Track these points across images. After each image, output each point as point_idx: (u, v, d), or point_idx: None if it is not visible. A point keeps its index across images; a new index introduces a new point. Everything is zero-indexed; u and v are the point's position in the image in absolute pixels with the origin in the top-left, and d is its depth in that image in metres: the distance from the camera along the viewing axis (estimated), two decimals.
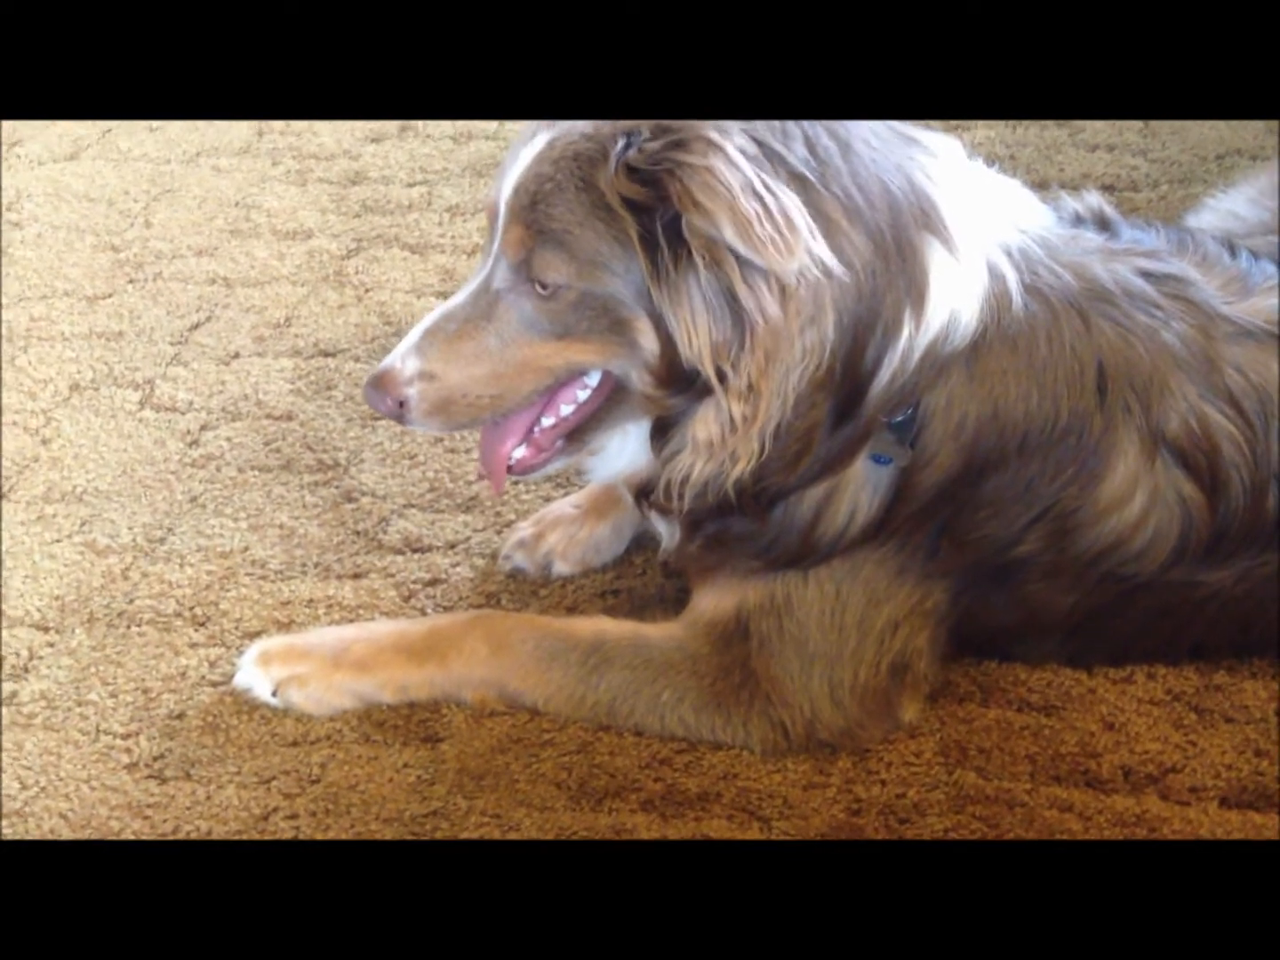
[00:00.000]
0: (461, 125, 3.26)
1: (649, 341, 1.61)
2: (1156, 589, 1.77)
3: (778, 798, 1.76)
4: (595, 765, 1.81)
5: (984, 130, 3.04)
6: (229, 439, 2.41)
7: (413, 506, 2.24)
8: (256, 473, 2.33)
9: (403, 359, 1.71)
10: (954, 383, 1.68)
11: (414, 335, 1.72)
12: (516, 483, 2.22)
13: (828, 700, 1.77)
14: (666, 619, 1.92)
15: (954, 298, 1.65)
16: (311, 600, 2.09)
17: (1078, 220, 1.86)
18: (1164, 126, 3.04)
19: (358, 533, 2.20)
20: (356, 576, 2.13)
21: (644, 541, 2.12)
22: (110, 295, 2.78)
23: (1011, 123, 3.09)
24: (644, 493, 1.79)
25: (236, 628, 2.06)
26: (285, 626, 2.05)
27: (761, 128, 1.57)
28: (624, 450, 1.79)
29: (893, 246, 1.61)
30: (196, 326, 2.69)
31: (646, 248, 1.55)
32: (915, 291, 1.63)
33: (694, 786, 1.78)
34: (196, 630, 2.06)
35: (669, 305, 1.56)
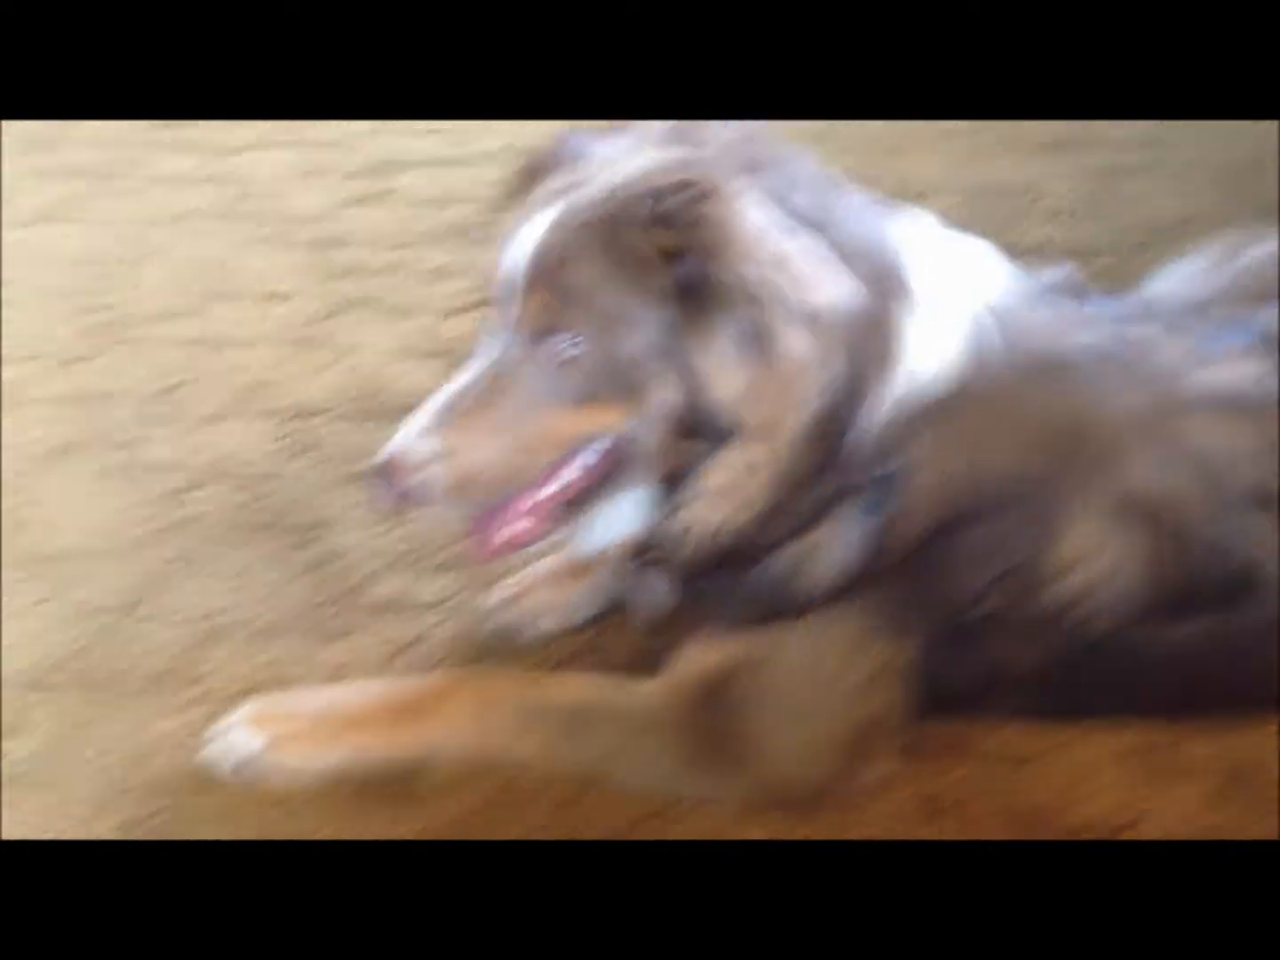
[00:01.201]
0: (443, 188, 3.35)
1: (671, 395, 1.64)
2: (1118, 646, 1.82)
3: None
4: (578, 823, 1.85)
5: (948, 198, 3.13)
6: (209, 500, 2.45)
7: (395, 567, 2.28)
8: (238, 533, 2.37)
9: (417, 439, 1.68)
10: (930, 441, 1.73)
11: (426, 416, 1.70)
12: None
13: (805, 756, 1.82)
14: (648, 676, 1.97)
15: (931, 353, 1.72)
16: (295, 660, 2.13)
17: (1047, 288, 1.94)
18: (1121, 194, 3.15)
19: (340, 593, 2.24)
20: (340, 637, 2.17)
21: (623, 600, 2.17)
22: (94, 357, 2.83)
23: (974, 191, 3.18)
24: (633, 555, 1.83)
25: (222, 689, 2.08)
26: (270, 687, 2.07)
27: (766, 177, 1.66)
28: (615, 519, 1.81)
29: (878, 299, 1.68)
30: (179, 387, 2.74)
31: (676, 298, 1.60)
32: (895, 344, 1.69)
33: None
34: (181, 692, 2.08)
35: (699, 352, 1.61)
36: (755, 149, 1.76)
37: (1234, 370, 1.86)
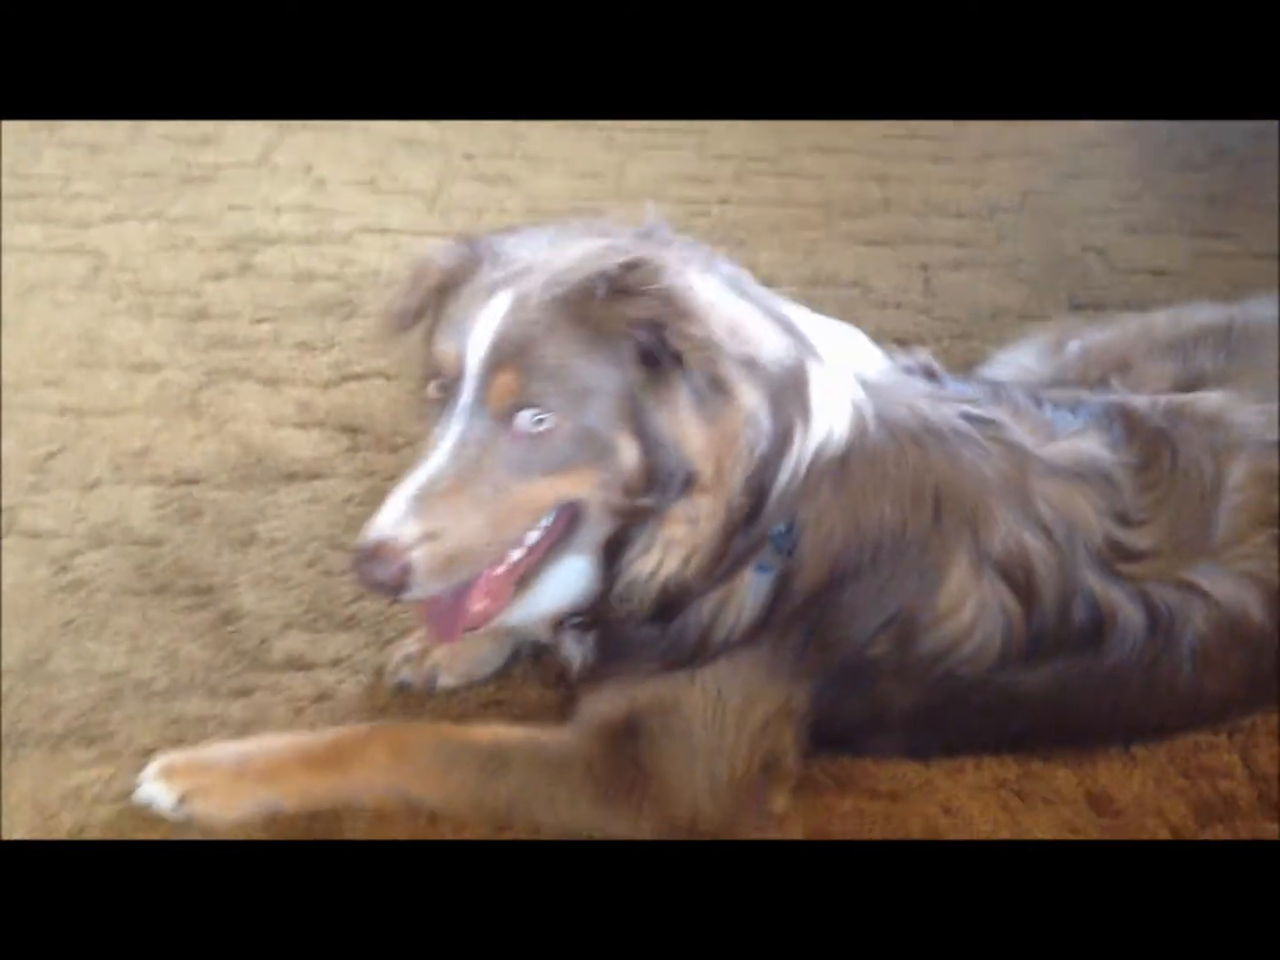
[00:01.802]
0: (302, 265, 3.41)
1: (630, 457, 1.77)
2: (983, 688, 2.02)
3: None
4: None
5: (789, 288, 3.36)
6: (98, 564, 2.47)
7: (293, 626, 2.35)
8: (131, 597, 2.40)
9: (397, 526, 1.72)
10: (824, 495, 1.90)
11: (400, 502, 1.73)
12: (393, 601, 2.34)
13: (709, 794, 1.95)
14: (551, 725, 2.09)
15: (830, 414, 1.89)
16: (200, 718, 2.17)
17: (908, 370, 2.15)
18: (943, 287, 3.44)
19: (240, 652, 2.29)
20: (244, 694, 2.22)
21: (521, 654, 2.29)
22: None
23: (811, 283, 3.44)
24: (562, 620, 1.96)
25: (128, 745, 2.12)
26: (177, 744, 2.11)
27: (687, 251, 1.85)
28: (552, 587, 1.91)
29: (791, 360, 1.86)
30: (52, 455, 2.74)
31: (640, 363, 1.75)
32: (803, 405, 1.87)
33: None
34: (87, 749, 2.11)
35: (663, 411, 1.75)
36: (657, 234, 1.94)
37: (1073, 446, 2.09)
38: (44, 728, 2.14)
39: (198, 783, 1.98)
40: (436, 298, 1.88)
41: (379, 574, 1.72)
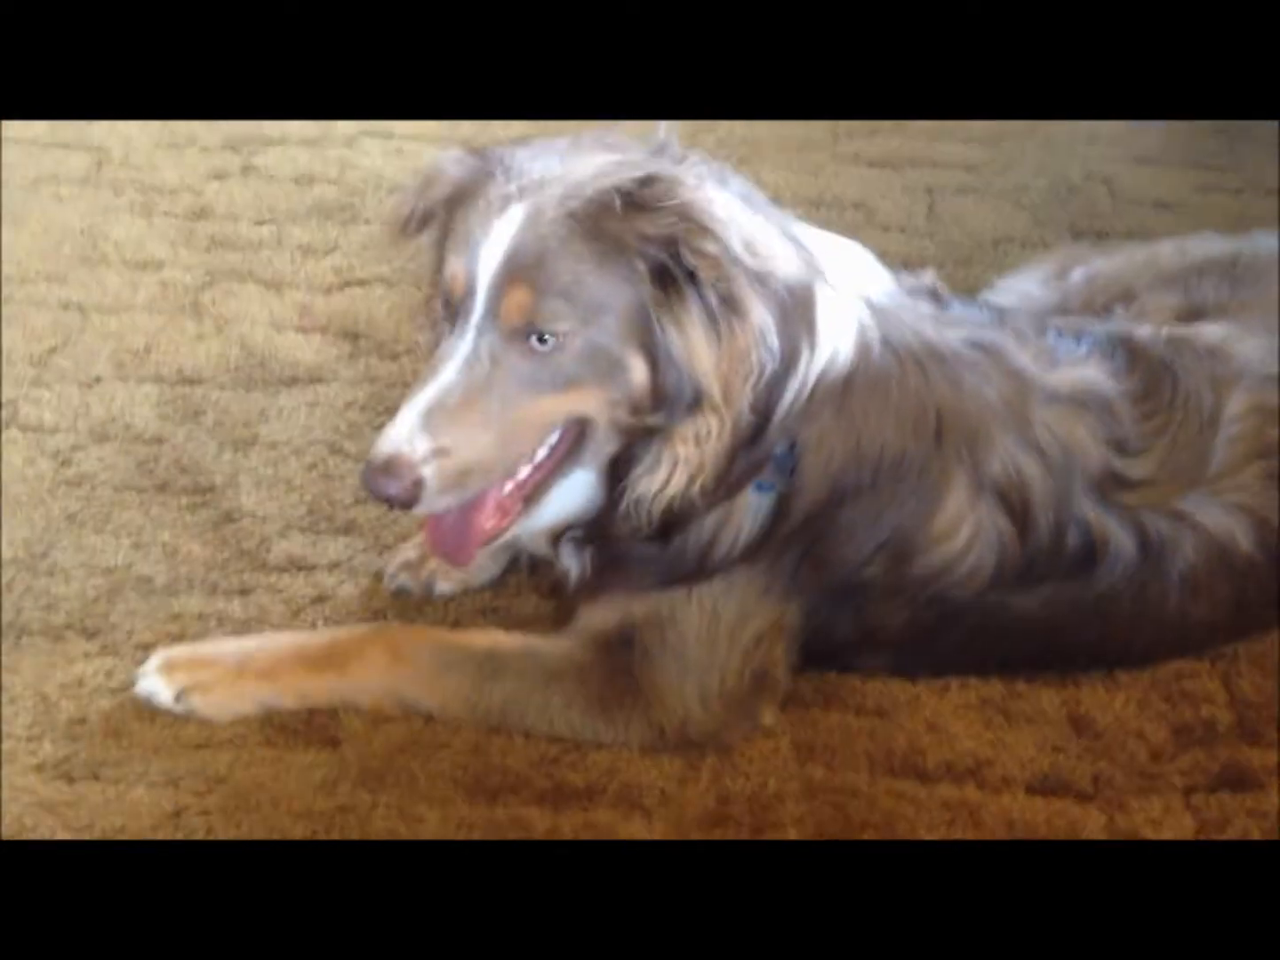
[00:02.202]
0: (304, 168, 3.38)
1: (639, 374, 1.79)
2: (974, 610, 2.05)
3: (655, 790, 1.97)
4: (489, 764, 1.99)
5: (795, 208, 3.33)
6: (100, 460, 2.49)
7: (293, 528, 2.37)
8: (133, 493, 2.42)
9: (409, 441, 1.73)
10: (826, 417, 1.92)
11: (412, 416, 1.74)
12: (393, 507, 2.36)
13: (699, 704, 2.00)
14: (545, 634, 2.12)
15: (835, 336, 1.90)
16: (201, 615, 2.20)
17: (914, 292, 2.16)
18: (946, 213, 3.42)
19: (241, 552, 2.32)
20: (243, 593, 2.25)
21: (518, 563, 2.31)
22: None
23: (815, 204, 3.42)
24: (561, 532, 1.98)
25: (128, 639, 2.15)
26: (177, 639, 2.15)
27: (701, 167, 1.84)
28: (556, 501, 1.92)
29: (799, 278, 1.86)
30: (54, 350, 2.75)
31: (654, 279, 1.75)
32: (810, 324, 1.87)
33: (580, 781, 1.97)
34: (88, 641, 2.14)
35: (673, 328, 1.75)
36: (669, 150, 1.93)
37: (1076, 374, 2.11)
38: (46, 619, 2.17)
39: (197, 678, 2.02)
40: (445, 209, 1.87)
41: (390, 488, 1.74)
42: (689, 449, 1.83)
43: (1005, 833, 1.95)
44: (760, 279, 1.78)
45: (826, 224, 3.23)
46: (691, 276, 1.75)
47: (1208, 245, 2.48)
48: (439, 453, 1.74)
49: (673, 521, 1.90)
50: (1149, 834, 1.95)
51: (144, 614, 2.19)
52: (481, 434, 1.76)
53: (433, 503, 1.77)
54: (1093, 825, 1.96)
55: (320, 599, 2.25)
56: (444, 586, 2.26)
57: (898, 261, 3.12)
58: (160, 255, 3.05)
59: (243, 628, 2.18)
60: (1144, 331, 2.18)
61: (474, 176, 1.85)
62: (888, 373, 1.95)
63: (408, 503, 1.76)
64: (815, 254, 1.93)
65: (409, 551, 2.27)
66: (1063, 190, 3.50)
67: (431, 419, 1.74)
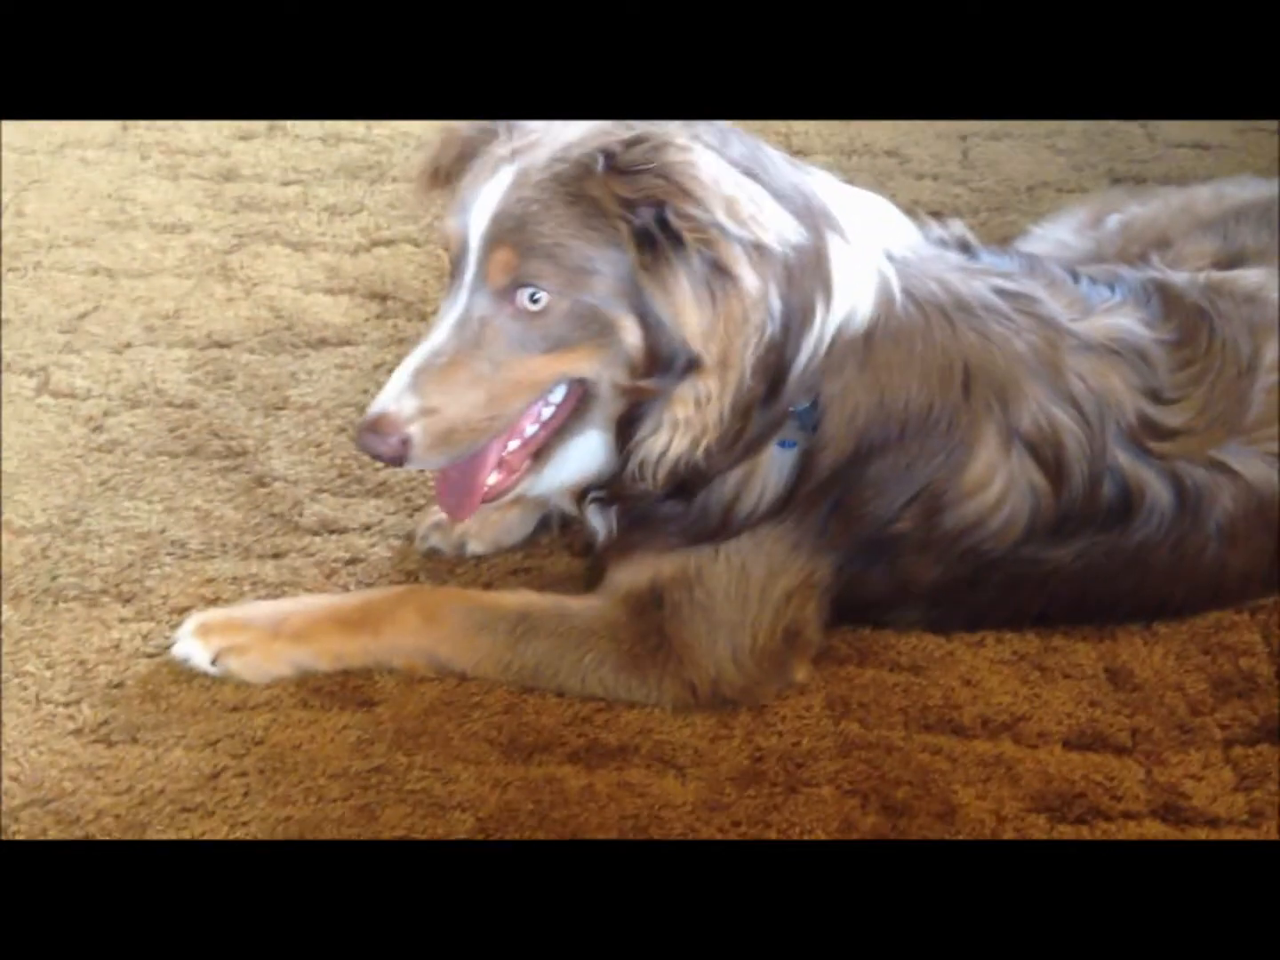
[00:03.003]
0: (330, 127, 3.37)
1: (632, 337, 1.78)
2: (1008, 564, 2.04)
3: (689, 748, 1.97)
4: (523, 724, 1.99)
5: (824, 158, 3.32)
6: (132, 425, 2.49)
7: (325, 491, 2.37)
8: (165, 458, 2.43)
9: (397, 400, 1.76)
10: (848, 373, 1.90)
11: (402, 376, 1.77)
12: (423, 469, 2.37)
13: (731, 662, 2.00)
14: (577, 594, 2.12)
15: (853, 292, 1.88)
16: (235, 578, 2.21)
17: (942, 242, 2.13)
18: (981, 159, 3.37)
19: (273, 515, 2.33)
20: (276, 556, 2.25)
21: (549, 523, 2.31)
22: None
23: (846, 153, 3.38)
24: (583, 492, 1.98)
25: (164, 604, 2.16)
26: (211, 603, 2.16)
27: (700, 129, 1.80)
28: (571, 462, 1.93)
29: (808, 239, 1.83)
30: (84, 316, 2.75)
31: (637, 243, 1.73)
32: (825, 282, 1.85)
33: (614, 740, 1.98)
34: (124, 606, 2.15)
35: (660, 294, 1.73)
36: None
37: (1109, 322, 2.07)
38: (81, 584, 2.18)
39: (233, 641, 2.03)
40: (458, 167, 1.87)
41: (379, 446, 1.78)
42: (689, 411, 1.82)
43: (1041, 788, 1.94)
44: (749, 245, 1.74)
45: (858, 172, 3.28)
46: (677, 240, 1.72)
47: (1246, 189, 2.43)
48: (425, 412, 1.76)
49: (692, 480, 1.89)
50: (1189, 788, 1.94)
51: (178, 578, 2.20)
52: (469, 393, 1.77)
53: (421, 460, 1.80)
54: (1130, 780, 1.94)
55: (353, 561, 2.25)
56: (475, 547, 2.26)
57: (931, 210, 3.14)
58: (188, 218, 3.05)
59: (276, 591, 2.19)
60: (1180, 278, 2.15)
61: (481, 134, 1.86)
62: (912, 326, 1.93)
63: (396, 460, 1.79)
64: (833, 209, 1.90)
65: (440, 513, 2.26)
66: (1099, 134, 3.44)
67: (420, 379, 1.77)
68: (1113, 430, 2.00)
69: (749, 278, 1.74)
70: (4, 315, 2.73)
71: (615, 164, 1.73)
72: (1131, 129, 3.45)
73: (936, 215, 3.09)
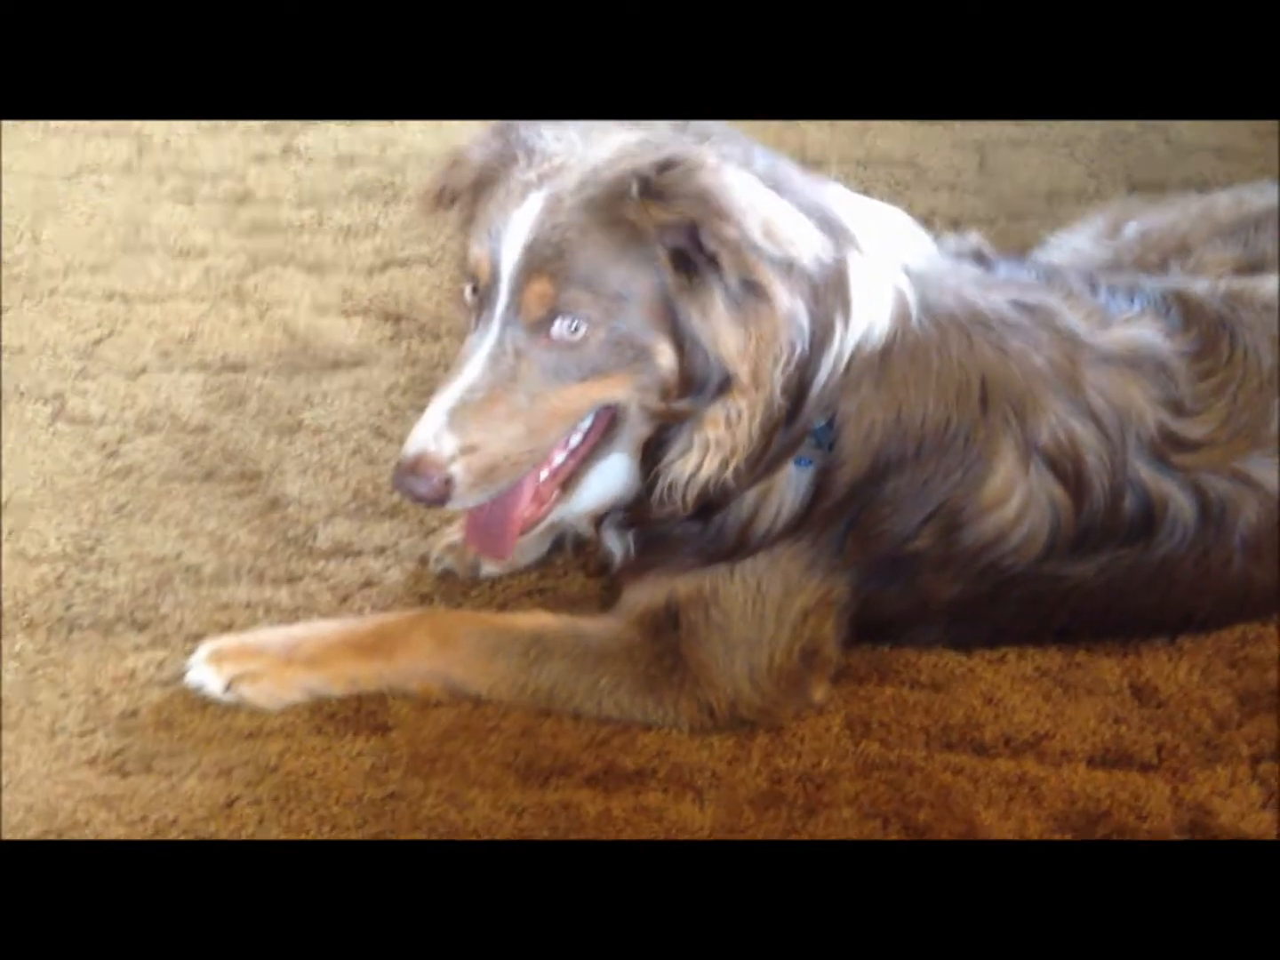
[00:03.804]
0: (345, 149, 3.37)
1: (667, 360, 1.76)
2: (1029, 580, 2.01)
3: (706, 771, 1.95)
4: (539, 747, 1.98)
5: (841, 168, 3.30)
6: (147, 450, 2.49)
7: (339, 514, 2.36)
8: (179, 483, 2.42)
9: (436, 440, 1.73)
10: (865, 390, 1.88)
11: (438, 414, 1.74)
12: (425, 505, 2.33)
13: (748, 682, 1.97)
14: (592, 614, 2.10)
15: (871, 308, 1.86)
16: (249, 603, 2.20)
17: (958, 255, 2.10)
18: (998, 168, 3.35)
19: (287, 539, 2.32)
20: (291, 580, 2.25)
21: (563, 544, 2.29)
22: (7, 310, 2.82)
23: (862, 163, 3.36)
24: (603, 515, 1.96)
25: (179, 630, 2.15)
26: (225, 629, 2.15)
27: (723, 147, 1.78)
28: (595, 485, 1.91)
29: (831, 256, 1.81)
30: (99, 341, 2.75)
31: (674, 265, 1.71)
32: (844, 300, 1.83)
33: (631, 764, 1.96)
34: (139, 633, 2.15)
35: (697, 314, 1.72)
36: (699, 125, 1.88)
37: (1129, 333, 2.05)
38: (96, 612, 2.18)
39: (246, 668, 2.02)
40: (470, 193, 1.85)
41: (420, 488, 1.74)
42: (720, 431, 1.80)
43: (1065, 807, 1.91)
44: (782, 263, 1.72)
45: (873, 184, 3.26)
46: (713, 262, 1.70)
47: (1266, 195, 2.39)
48: (466, 450, 1.74)
49: (711, 501, 1.87)
50: (1216, 805, 1.91)
51: (193, 604, 2.19)
52: (508, 428, 1.75)
53: (463, 499, 1.77)
54: (1157, 798, 1.92)
55: (367, 584, 2.24)
56: (490, 568, 2.24)
57: (947, 220, 3.12)
58: (202, 242, 3.04)
59: (291, 615, 2.18)
60: (1200, 286, 2.12)
61: (497, 159, 1.83)
62: (928, 341, 1.91)
63: (439, 501, 1.76)
64: (849, 224, 1.88)
65: (454, 534, 2.25)
66: (1117, 140, 3.41)
67: (458, 416, 1.74)
68: (1133, 443, 1.98)
69: (783, 296, 1.73)
70: (19, 343, 2.73)
71: (650, 188, 1.71)
72: (1149, 135, 3.42)
73: (954, 225, 3.11)
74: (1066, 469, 1.96)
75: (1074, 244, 2.51)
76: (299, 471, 2.44)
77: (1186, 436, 1.99)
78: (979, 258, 2.11)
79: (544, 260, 1.72)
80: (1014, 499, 1.96)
